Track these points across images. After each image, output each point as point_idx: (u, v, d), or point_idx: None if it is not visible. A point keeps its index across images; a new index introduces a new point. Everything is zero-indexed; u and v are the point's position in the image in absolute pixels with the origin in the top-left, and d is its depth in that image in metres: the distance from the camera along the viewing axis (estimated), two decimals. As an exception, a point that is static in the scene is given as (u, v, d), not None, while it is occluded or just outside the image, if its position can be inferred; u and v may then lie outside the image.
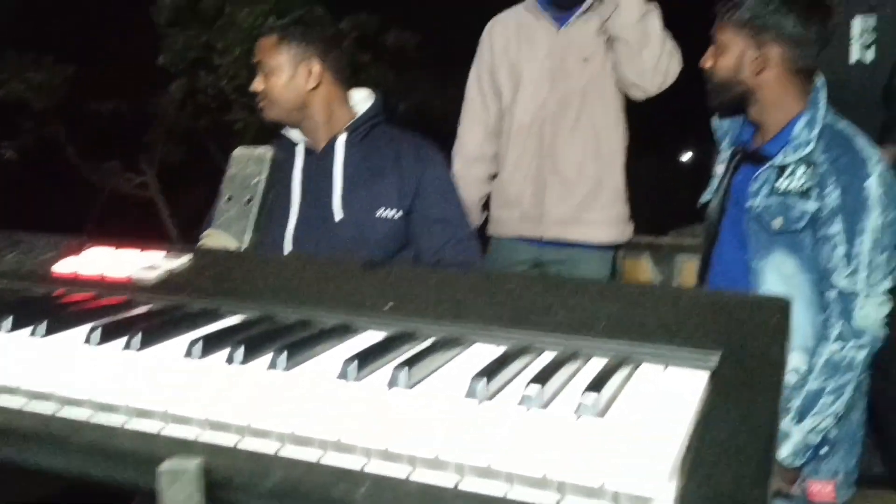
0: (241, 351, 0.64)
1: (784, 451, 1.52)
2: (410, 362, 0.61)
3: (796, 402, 1.52)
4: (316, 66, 1.85)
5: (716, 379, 0.59)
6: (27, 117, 5.63)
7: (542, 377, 0.57)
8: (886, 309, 1.53)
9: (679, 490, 0.46)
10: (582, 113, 2.30)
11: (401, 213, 1.80)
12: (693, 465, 0.48)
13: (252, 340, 0.66)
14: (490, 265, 2.37)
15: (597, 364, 0.64)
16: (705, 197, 1.79)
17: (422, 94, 6.29)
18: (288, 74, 1.83)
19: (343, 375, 0.61)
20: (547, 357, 0.65)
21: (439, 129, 2.74)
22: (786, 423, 1.51)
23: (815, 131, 1.55)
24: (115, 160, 6.05)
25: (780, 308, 0.65)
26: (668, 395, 0.57)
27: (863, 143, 1.55)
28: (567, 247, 2.34)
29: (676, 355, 0.63)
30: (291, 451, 0.57)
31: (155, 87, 6.18)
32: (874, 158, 1.52)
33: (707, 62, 1.68)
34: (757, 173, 1.62)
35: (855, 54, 2.15)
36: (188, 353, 0.66)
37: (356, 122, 1.86)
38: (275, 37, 1.82)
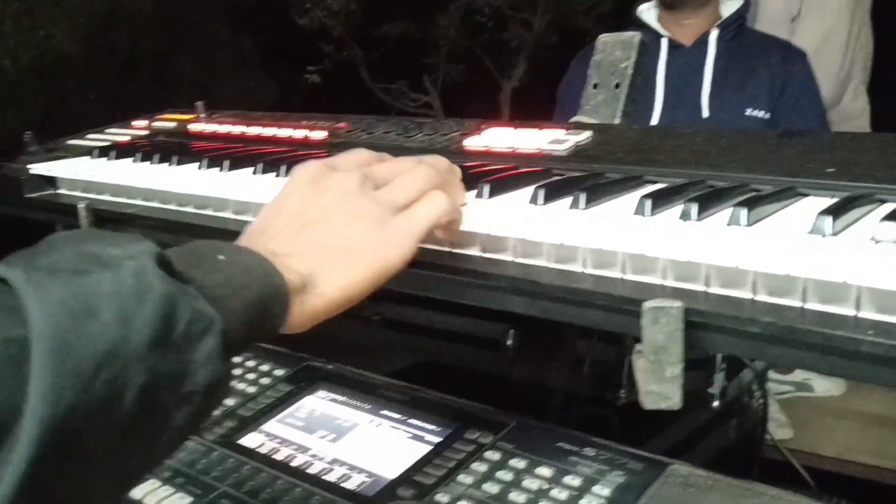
0: (694, 207, 0.64)
1: None
2: (892, 216, 0.58)
3: None
4: None
5: None
6: (327, 43, 6.08)
7: None
8: None
9: None
10: None
11: (769, 114, 1.77)
12: None
13: (703, 198, 0.66)
14: None
15: None
16: None
17: None
18: None
19: (817, 229, 0.59)
20: None
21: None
22: None
23: None
24: (401, 81, 6.37)
25: None
26: None
27: None
28: None
29: None
30: (765, 299, 0.56)
31: (436, 10, 6.39)
32: None
33: None
34: None
35: None
36: (638, 211, 0.67)
37: (728, 20, 1.86)
38: None
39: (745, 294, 0.58)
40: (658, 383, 0.58)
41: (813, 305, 0.55)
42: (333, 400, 0.92)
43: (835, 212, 0.59)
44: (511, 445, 0.77)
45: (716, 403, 1.09)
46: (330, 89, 6.17)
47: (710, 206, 0.65)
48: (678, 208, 0.66)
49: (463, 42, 6.42)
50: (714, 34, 1.83)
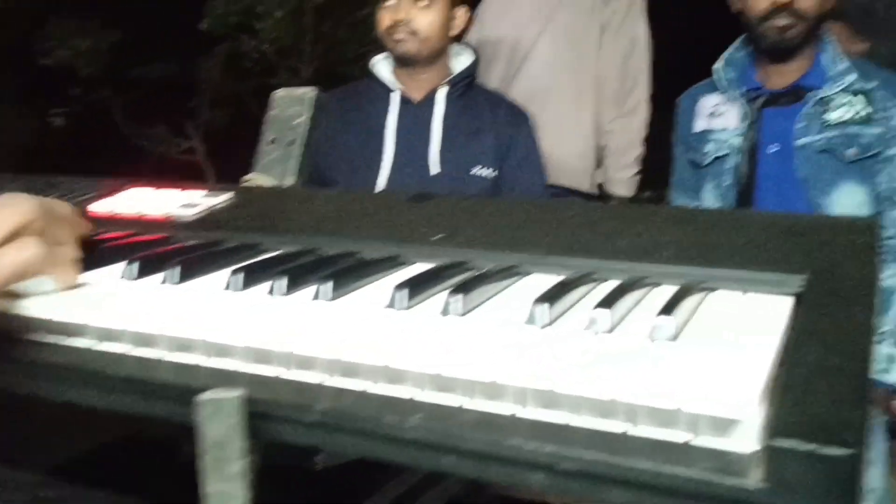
0: (283, 282, 0.60)
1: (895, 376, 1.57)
2: (464, 289, 0.56)
3: (887, 327, 1.57)
4: (462, 14, 1.82)
5: (803, 302, 0.53)
6: (74, 84, 5.69)
7: (608, 302, 0.53)
8: None
9: (770, 412, 0.42)
10: None
11: (495, 172, 1.77)
12: (784, 387, 0.43)
13: (295, 271, 0.62)
14: None
15: (666, 290, 0.58)
16: (718, 152, 1.72)
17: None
18: (445, 14, 1.79)
19: (392, 304, 0.57)
20: (611, 284, 0.60)
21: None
22: (886, 349, 1.57)
23: (844, 64, 1.60)
24: (161, 125, 6.09)
25: (867, 228, 0.59)
26: (750, 320, 0.52)
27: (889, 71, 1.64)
28: None
29: (755, 280, 0.57)
30: (338, 382, 0.54)
31: (199, 53, 6.20)
32: None
33: None
34: (803, 111, 1.62)
35: None
36: (228, 286, 0.62)
37: (457, 76, 1.83)
38: None
39: (315, 378, 0.54)
40: (221, 482, 0.53)
41: (378, 388, 0.53)
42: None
43: (412, 285, 0.57)
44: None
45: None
46: (80, 132, 5.77)
47: (302, 280, 0.61)
48: (268, 283, 0.61)
49: (228, 86, 6.26)
50: (443, 91, 1.81)
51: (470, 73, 1.87)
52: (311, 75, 6.34)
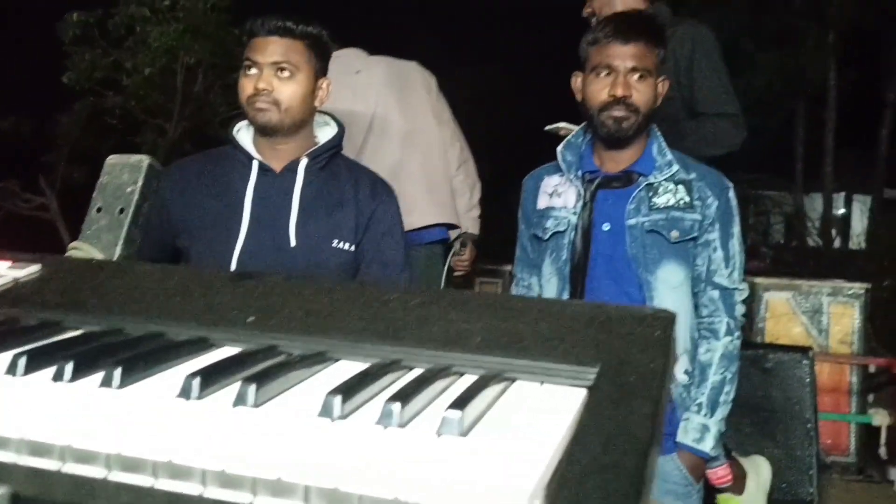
0: (69, 367, 0.57)
1: (708, 445, 1.65)
2: (260, 378, 0.55)
3: (702, 399, 1.67)
4: (326, 85, 1.79)
5: (592, 394, 0.54)
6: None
7: (403, 394, 0.52)
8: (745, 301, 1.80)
9: (542, 513, 0.42)
10: None
11: (354, 246, 1.75)
12: (560, 484, 0.43)
13: (84, 355, 0.58)
14: None
15: (468, 381, 0.59)
16: (557, 228, 1.80)
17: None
18: (308, 85, 1.75)
19: (184, 393, 0.54)
20: (416, 373, 0.60)
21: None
22: (700, 419, 1.66)
23: (669, 156, 1.75)
24: (12, 180, 5.76)
25: (663, 320, 0.62)
26: (541, 413, 0.53)
27: (706, 165, 1.81)
28: None
29: (554, 371, 0.59)
30: (118, 477, 0.50)
31: (57, 107, 5.96)
32: (724, 176, 1.79)
33: (631, 90, 1.68)
34: (634, 194, 1.73)
35: None
36: (10, 370, 0.58)
37: (319, 148, 1.79)
38: (304, 43, 1.72)
39: (94, 473, 0.51)
40: (-22, 592, 0.48)
41: (161, 485, 0.50)
42: None
43: (206, 374, 0.55)
44: None
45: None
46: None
47: (90, 366, 0.58)
48: (54, 368, 0.57)
49: (88, 142, 6.01)
50: (303, 163, 1.78)
51: (334, 144, 1.85)
52: (179, 136, 6.20)
